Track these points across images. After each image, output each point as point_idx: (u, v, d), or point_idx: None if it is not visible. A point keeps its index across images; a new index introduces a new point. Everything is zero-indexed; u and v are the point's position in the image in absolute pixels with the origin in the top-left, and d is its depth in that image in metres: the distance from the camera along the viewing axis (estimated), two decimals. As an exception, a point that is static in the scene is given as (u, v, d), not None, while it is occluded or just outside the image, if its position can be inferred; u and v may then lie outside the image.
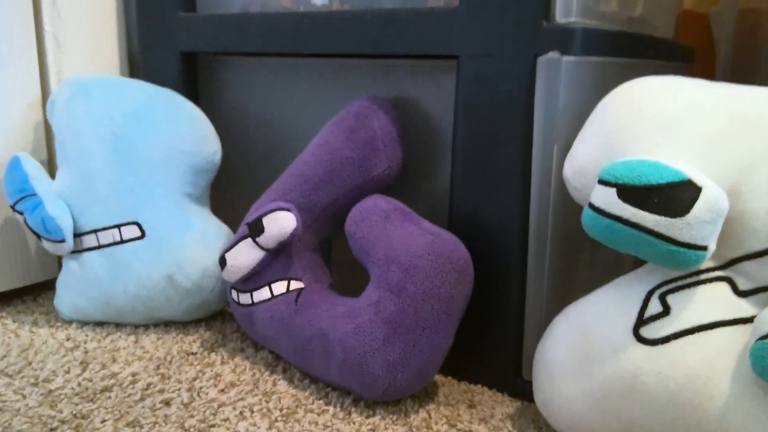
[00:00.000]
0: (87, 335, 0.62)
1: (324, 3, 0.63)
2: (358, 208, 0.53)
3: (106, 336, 0.62)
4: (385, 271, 0.49)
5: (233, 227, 0.65)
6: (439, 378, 0.56)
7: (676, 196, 0.38)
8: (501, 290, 0.52)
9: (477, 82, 0.51)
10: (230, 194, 0.71)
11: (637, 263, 0.45)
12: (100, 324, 0.64)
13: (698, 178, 0.39)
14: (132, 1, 0.76)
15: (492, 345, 0.54)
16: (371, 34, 0.56)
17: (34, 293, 0.72)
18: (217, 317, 0.67)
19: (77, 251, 0.62)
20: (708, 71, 0.89)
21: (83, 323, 0.64)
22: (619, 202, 0.40)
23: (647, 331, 0.41)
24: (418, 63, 0.58)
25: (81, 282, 0.62)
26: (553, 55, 0.48)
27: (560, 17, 0.49)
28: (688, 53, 0.70)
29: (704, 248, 0.39)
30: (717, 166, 0.41)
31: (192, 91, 0.72)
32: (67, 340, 0.60)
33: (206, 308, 0.64)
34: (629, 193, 0.39)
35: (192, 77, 0.72)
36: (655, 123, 0.42)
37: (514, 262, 0.52)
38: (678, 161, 0.40)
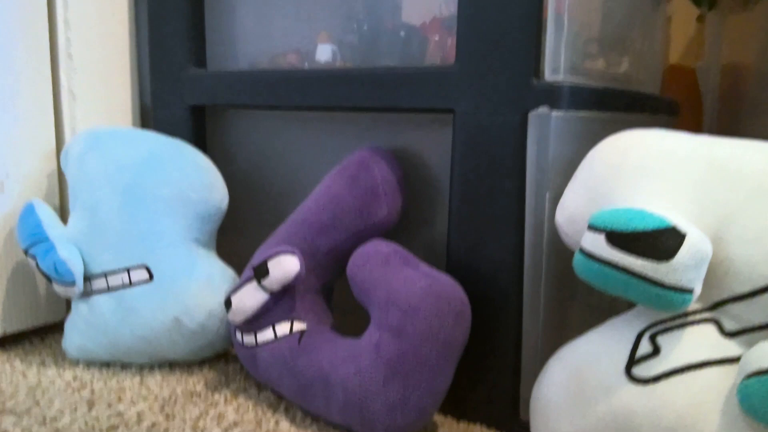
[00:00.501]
0: (93, 375, 0.63)
1: (328, 60, 0.67)
2: (360, 252, 0.55)
3: (112, 376, 0.63)
4: (385, 313, 0.51)
5: (238, 271, 0.66)
6: (438, 417, 0.57)
7: (662, 242, 0.40)
8: (498, 331, 0.54)
9: (472, 134, 0.54)
10: (236, 239, 0.73)
11: (630, 305, 0.47)
12: (106, 364, 0.65)
13: (682, 225, 0.41)
14: (145, 58, 0.79)
15: (490, 385, 0.55)
16: (373, 89, 0.59)
17: (42, 334, 0.73)
18: (221, 358, 0.68)
19: (87, 294, 0.64)
20: (696, 123, 0.92)
21: (90, 363, 0.65)
22: (608, 247, 0.41)
23: (638, 371, 0.42)
24: (416, 117, 0.61)
25: (89, 324, 0.63)
26: (542, 110, 0.51)
27: (549, 75, 0.52)
28: (673, 107, 0.73)
29: (690, 291, 0.41)
30: (699, 214, 0.43)
31: (200, 142, 0.74)
32: (74, 379, 0.61)
33: (211, 349, 0.65)
34: (617, 238, 0.41)
35: (201, 129, 0.74)
36: (639, 172, 0.45)
37: (510, 304, 0.53)
38: (662, 209, 0.42)
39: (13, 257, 0.69)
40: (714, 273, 0.42)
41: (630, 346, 0.43)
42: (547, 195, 0.52)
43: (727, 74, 0.89)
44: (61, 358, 0.67)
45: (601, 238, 0.42)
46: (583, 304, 0.58)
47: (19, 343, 0.71)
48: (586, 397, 0.43)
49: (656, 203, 0.43)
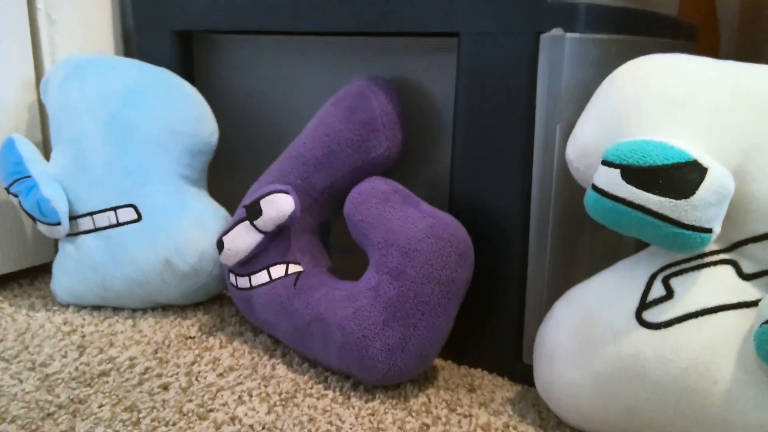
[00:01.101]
0: (84, 319, 0.61)
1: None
2: (357, 190, 0.52)
3: (103, 320, 0.61)
4: (384, 255, 0.49)
5: (231, 210, 0.64)
6: (439, 362, 0.56)
7: (682, 177, 0.38)
8: (502, 274, 0.52)
9: (478, 60, 0.50)
10: (227, 176, 0.71)
11: (640, 246, 0.44)
12: (97, 308, 0.64)
13: (704, 159, 0.38)
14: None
15: (492, 329, 0.53)
16: (370, 10, 0.55)
17: (31, 277, 0.72)
18: (215, 301, 0.66)
19: (73, 234, 0.62)
20: (712, 49, 0.88)
21: (80, 307, 0.64)
22: (623, 183, 0.39)
23: (650, 315, 0.40)
24: (418, 42, 0.57)
25: (77, 265, 0.62)
26: (556, 32, 0.47)
27: (563, -7, 0.48)
28: (692, 31, 0.69)
29: (709, 230, 0.38)
30: (723, 146, 0.40)
31: (188, 71, 0.71)
32: (64, 324, 0.60)
33: (204, 292, 0.63)
34: (634, 174, 0.39)
35: (187, 57, 0.71)
36: (660, 102, 0.41)
37: (515, 245, 0.51)
38: (683, 141, 0.40)
39: (-3, 196, 0.67)
40: (735, 211, 0.40)
41: (642, 289, 0.41)
42: (558, 127, 0.49)
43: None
44: (50, 301, 0.66)
45: (615, 174, 0.39)
46: (592, 244, 0.55)
47: (6, 285, 0.70)
48: (595, 341, 0.42)
49: (676, 134, 0.40)
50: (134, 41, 0.73)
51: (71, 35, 0.73)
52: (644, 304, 0.41)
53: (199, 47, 0.71)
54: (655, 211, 0.38)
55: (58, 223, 0.60)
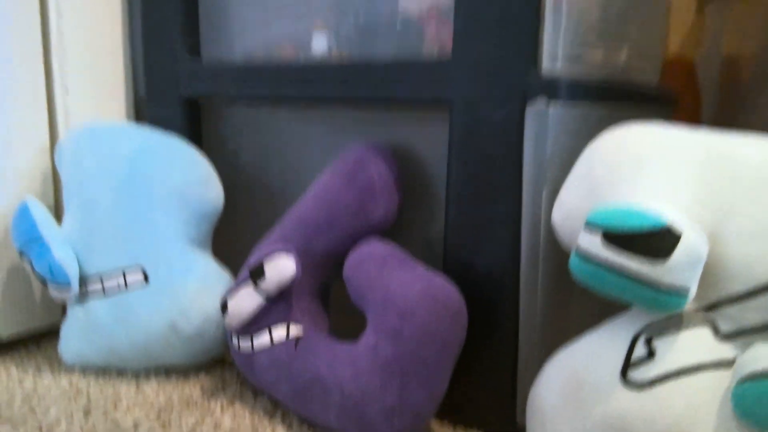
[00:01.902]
0: (90, 382, 0.62)
1: (323, 51, 0.66)
2: (356, 253, 0.54)
3: (108, 383, 0.62)
4: (382, 316, 0.50)
5: (234, 270, 0.66)
6: (435, 423, 0.56)
7: (658, 241, 0.40)
8: (494, 334, 0.53)
9: (469, 127, 0.53)
10: (231, 238, 0.72)
11: (626, 305, 0.46)
12: (102, 370, 0.65)
13: (678, 224, 0.40)
14: (139, 49, 0.79)
15: (486, 389, 0.54)
16: (369, 81, 0.58)
17: (38, 340, 0.73)
18: (217, 364, 0.67)
19: (82, 297, 0.63)
20: (694, 116, 0.91)
21: (86, 370, 0.65)
22: (604, 247, 0.41)
23: (634, 375, 0.42)
24: (413, 112, 0.60)
25: (85, 328, 0.63)
26: (540, 102, 0.50)
27: (547, 66, 0.51)
28: (672, 98, 0.72)
29: (686, 292, 0.40)
30: (697, 212, 0.42)
31: (196, 138, 0.73)
32: (71, 386, 0.61)
33: (207, 354, 0.65)
34: (613, 239, 0.41)
35: (196, 124, 0.74)
36: (637, 167, 0.44)
37: (506, 305, 0.53)
38: (659, 206, 0.42)
39: (8, 259, 0.69)
40: (710, 273, 0.42)
41: (625, 349, 0.43)
42: (544, 191, 0.51)
43: (727, 66, 0.88)
44: (57, 363, 0.67)
45: (597, 238, 0.41)
46: (581, 304, 0.57)
47: (14, 349, 0.71)
48: (583, 401, 0.43)
49: (654, 199, 0.43)
50: (145, 109, 0.76)
51: (85, 103, 0.76)
52: (628, 364, 0.42)
53: (206, 115, 0.74)
54: (634, 274, 0.40)
55: (69, 286, 0.62)
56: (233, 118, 0.73)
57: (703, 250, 0.40)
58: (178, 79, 0.72)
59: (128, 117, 0.81)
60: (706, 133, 0.45)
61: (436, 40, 0.60)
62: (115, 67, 0.79)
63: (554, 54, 0.51)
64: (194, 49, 0.72)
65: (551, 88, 0.50)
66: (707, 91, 0.91)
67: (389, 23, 0.62)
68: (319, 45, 0.66)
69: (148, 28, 0.73)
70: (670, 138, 0.45)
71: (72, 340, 0.64)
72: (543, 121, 0.51)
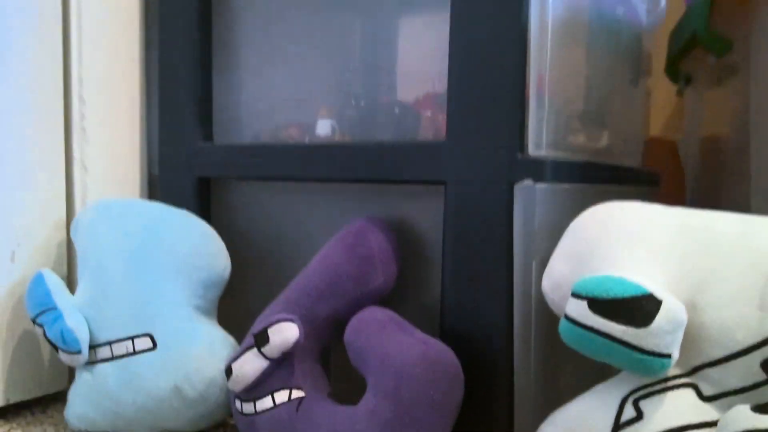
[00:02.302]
0: (95, 446, 0.63)
1: (327, 134, 0.70)
2: (356, 318, 0.56)
3: (113, 446, 0.63)
4: (381, 378, 0.52)
5: (238, 338, 0.67)
6: (434, 487, 0.57)
7: (640, 308, 0.43)
8: (490, 396, 0.55)
9: (462, 204, 0.57)
10: (237, 306, 0.74)
11: (617, 369, 0.48)
12: (106, 434, 0.66)
13: (658, 292, 0.43)
14: (154, 131, 0.83)
15: (483, 451, 0.55)
16: (370, 162, 0.62)
17: (43, 405, 0.73)
18: (219, 428, 0.68)
19: (91, 362, 0.65)
20: (679, 193, 0.95)
21: (91, 433, 0.66)
22: (591, 313, 0.44)
23: (623, 435, 0.44)
24: (410, 188, 0.64)
25: (92, 392, 0.64)
26: (527, 182, 0.54)
27: (533, 150, 0.56)
28: (653, 178, 0.77)
29: (668, 356, 0.43)
30: (675, 281, 0.45)
31: (205, 212, 0.76)
32: (76, 450, 0.62)
33: (210, 419, 0.65)
34: (599, 305, 0.44)
35: (205, 199, 0.77)
36: (617, 241, 0.47)
37: (501, 368, 0.54)
38: (640, 276, 0.45)
39: (20, 326, 0.71)
40: (691, 339, 0.44)
41: (615, 412, 0.45)
42: (534, 262, 0.55)
43: (707, 146, 0.93)
44: (62, 428, 0.67)
45: (583, 305, 0.44)
46: (574, 366, 0.59)
47: (20, 413, 0.71)
48: (576, 460, 0.45)
49: (634, 271, 0.46)
50: (158, 186, 0.79)
51: (102, 180, 0.79)
52: (618, 426, 0.44)
53: (216, 191, 0.78)
54: (620, 338, 0.43)
55: (79, 352, 0.63)
56: (242, 195, 0.76)
57: (683, 316, 0.43)
58: (192, 160, 0.75)
59: (142, 194, 0.84)
60: (681, 210, 0.48)
61: (432, 124, 0.64)
62: (132, 147, 0.83)
63: (539, 138, 0.56)
64: (207, 133, 0.76)
65: (537, 170, 0.54)
66: (690, 170, 0.96)
67: (388, 109, 0.66)
68: (323, 129, 0.70)
69: (164, 112, 0.77)
70: (647, 214, 0.49)
71: (79, 404, 0.65)
72: (530, 199, 0.54)
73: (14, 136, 0.71)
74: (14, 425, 0.68)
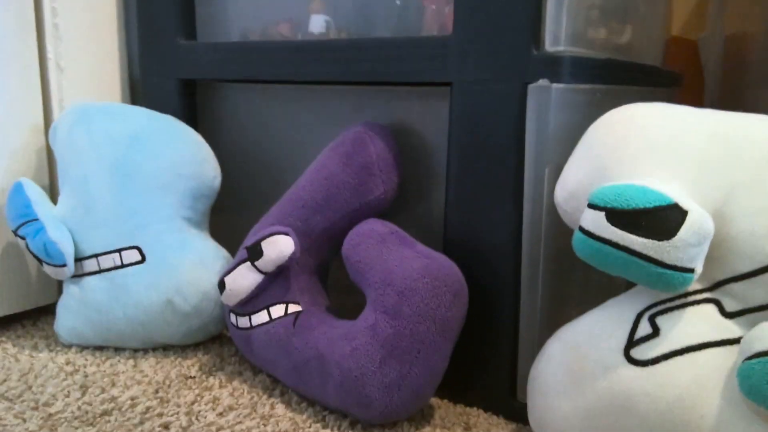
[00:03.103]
0: (86, 359, 0.62)
1: (321, 32, 0.65)
2: (355, 231, 0.54)
3: (105, 360, 0.62)
4: (381, 294, 0.50)
5: (232, 251, 0.66)
6: (435, 400, 0.56)
7: (663, 219, 0.39)
8: (495, 312, 0.53)
9: (470, 107, 0.53)
10: (229, 218, 0.73)
11: (629, 284, 0.46)
12: (99, 348, 0.65)
13: (684, 202, 0.40)
14: (133, 30, 0.78)
15: (487, 367, 0.54)
16: (367, 62, 0.58)
17: (34, 318, 0.73)
18: (215, 341, 0.67)
19: (78, 276, 0.63)
20: (697, 96, 0.91)
21: (83, 347, 0.65)
22: (608, 225, 0.41)
23: (637, 352, 0.41)
24: (413, 90, 0.60)
25: (81, 305, 0.63)
26: (543, 82, 0.50)
27: (549, 46, 0.51)
28: (675, 79, 0.72)
29: (691, 270, 0.40)
30: (702, 190, 0.42)
31: (192, 118, 0.73)
32: (67, 364, 0.61)
33: (205, 332, 0.65)
34: (618, 216, 0.40)
35: (191, 104, 0.73)
36: (641, 148, 0.44)
37: (507, 284, 0.53)
38: (664, 185, 0.42)
39: (3, 238, 0.69)
40: (716, 251, 0.42)
41: (629, 327, 0.43)
42: (546, 170, 0.51)
43: (731, 45, 0.87)
44: (53, 341, 0.67)
45: (601, 216, 0.41)
46: (583, 282, 0.57)
47: (10, 326, 0.70)
48: (585, 376, 0.43)
49: (658, 179, 0.42)
50: (140, 89, 0.76)
51: (79, 83, 0.75)
52: (632, 342, 0.42)
53: (203, 95, 0.74)
54: (639, 252, 0.40)
55: (64, 265, 0.61)
56: (230, 97, 0.72)
57: (710, 228, 0.40)
58: (174, 61, 0.71)
59: (123, 97, 0.81)
60: (710, 114, 0.45)
61: (437, 18, 0.59)
62: (110, 46, 0.78)
63: (557, 33, 0.51)
64: (190, 30, 0.71)
65: (554, 68, 0.50)
66: (710, 72, 0.91)
67: (388, 1, 0.61)
68: (317, 25, 0.65)
69: (143, 7, 0.72)
70: (674, 117, 0.45)
71: (68, 318, 0.64)
72: (545, 101, 0.50)
73: (-24, 32, 0.66)
74: (4, 338, 0.67)
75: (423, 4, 0.60)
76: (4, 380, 0.57)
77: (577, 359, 0.44)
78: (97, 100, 0.77)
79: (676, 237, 0.39)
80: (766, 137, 0.42)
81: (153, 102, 0.73)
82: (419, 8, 0.60)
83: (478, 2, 0.51)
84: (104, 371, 0.60)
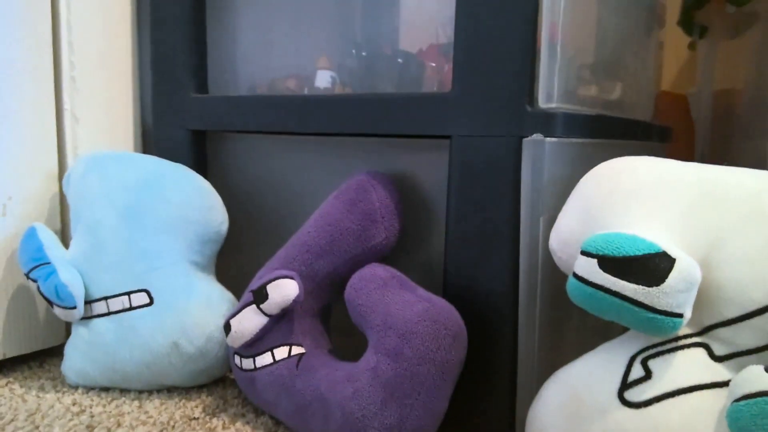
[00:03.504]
0: (92, 400, 0.63)
1: (327, 87, 0.68)
2: (358, 276, 0.55)
3: (111, 401, 0.63)
4: (382, 337, 0.51)
5: (238, 294, 0.67)
6: (435, 443, 0.57)
7: (653, 266, 0.41)
8: (494, 354, 0.54)
9: (468, 159, 0.55)
10: (235, 262, 0.73)
11: (623, 328, 0.47)
12: (105, 389, 0.65)
13: (672, 250, 0.42)
14: (147, 81, 0.80)
15: (486, 409, 0.55)
16: (371, 115, 0.60)
17: (40, 359, 0.73)
18: (219, 383, 0.68)
19: (87, 317, 0.64)
20: (688, 149, 0.94)
21: (89, 388, 0.65)
22: (601, 271, 0.42)
23: (631, 395, 0.43)
24: (414, 142, 0.62)
25: (89, 347, 0.64)
26: (537, 136, 0.52)
27: (543, 102, 0.53)
28: (665, 133, 0.75)
29: (680, 315, 0.41)
30: (689, 238, 0.44)
31: (201, 166, 0.75)
32: (74, 404, 0.62)
33: (209, 374, 0.65)
34: (609, 263, 0.42)
35: (201, 153, 0.75)
36: (631, 198, 0.46)
37: (505, 327, 0.54)
38: (653, 233, 0.44)
39: (14, 280, 0.70)
40: (704, 297, 0.43)
41: (623, 370, 0.44)
42: (542, 219, 0.53)
43: (719, 100, 0.91)
44: (60, 382, 0.67)
45: (593, 263, 0.43)
46: (579, 326, 0.58)
47: (17, 367, 0.71)
48: (582, 419, 0.44)
49: (647, 228, 0.44)
50: (152, 139, 0.77)
51: (93, 132, 0.77)
52: (625, 384, 0.43)
53: (212, 144, 0.76)
54: (631, 298, 0.41)
55: (74, 307, 0.62)
56: (238, 147, 0.74)
57: (697, 274, 0.42)
58: (186, 112, 0.73)
59: (135, 147, 0.83)
60: (697, 165, 0.47)
61: (436, 75, 0.62)
62: (125, 98, 0.81)
63: (549, 90, 0.53)
64: (202, 83, 0.74)
65: (547, 123, 0.52)
66: (701, 125, 0.94)
67: (391, 59, 0.64)
68: (323, 80, 0.68)
69: (156, 62, 0.75)
70: (661, 169, 0.47)
71: (75, 359, 0.65)
72: (539, 154, 0.52)
73: (1, 85, 0.68)
74: (11, 379, 0.68)
75: (423, 62, 0.63)
76: (12, 420, 0.58)
77: (573, 403, 0.45)
78: (110, 149, 0.79)
79: (665, 283, 0.41)
80: (751, 188, 0.44)
81: (164, 151, 0.75)
82: (420, 66, 0.63)
83: (475, 61, 0.54)
84: (110, 412, 0.60)
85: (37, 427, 0.57)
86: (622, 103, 0.68)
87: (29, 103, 0.71)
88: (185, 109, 0.73)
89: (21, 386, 0.66)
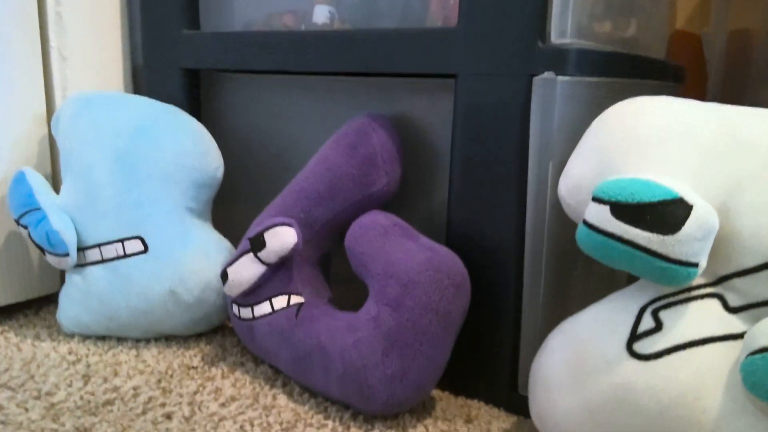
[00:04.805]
0: (89, 349, 0.62)
1: (325, 22, 0.65)
2: (358, 223, 0.54)
3: (107, 350, 0.62)
4: (383, 286, 0.50)
5: (234, 242, 0.66)
6: (436, 393, 0.57)
7: (668, 213, 0.39)
8: (497, 305, 0.53)
9: (474, 100, 0.52)
10: (231, 210, 0.72)
11: (631, 278, 0.46)
12: (101, 338, 0.65)
13: (689, 196, 0.40)
14: (137, 19, 0.78)
15: (488, 360, 0.54)
16: (371, 53, 0.57)
17: (36, 307, 0.73)
18: (217, 331, 0.67)
19: (81, 265, 0.63)
20: (699, 90, 0.91)
21: (85, 337, 0.65)
22: (613, 219, 0.41)
23: (640, 346, 0.41)
24: (417, 81, 0.60)
25: (83, 295, 0.63)
26: (548, 75, 0.50)
27: (555, 38, 0.50)
28: (679, 73, 0.71)
29: (695, 265, 0.40)
30: (707, 184, 0.42)
31: (194, 108, 0.73)
32: (69, 353, 0.61)
33: (207, 322, 0.65)
34: (622, 210, 0.40)
35: (194, 94, 0.73)
36: (647, 141, 0.43)
37: (510, 277, 0.53)
38: (670, 179, 0.41)
39: (5, 227, 0.69)
40: (720, 246, 0.41)
41: (632, 321, 0.43)
42: (551, 164, 0.51)
43: (734, 40, 0.87)
44: (56, 331, 0.67)
45: (605, 210, 0.41)
46: (585, 276, 0.57)
47: (13, 315, 0.71)
48: (587, 371, 0.43)
49: (663, 173, 0.42)
50: (143, 78, 0.75)
51: (82, 72, 0.75)
52: (634, 336, 0.42)
53: (206, 85, 0.74)
54: (644, 246, 0.40)
55: (67, 255, 0.61)
56: (233, 88, 0.72)
57: (715, 222, 0.40)
58: (177, 50, 0.71)
59: (125, 86, 0.80)
60: (716, 108, 0.44)
61: (441, 10, 0.59)
62: (113, 35, 0.78)
63: (563, 25, 0.51)
64: (193, 19, 0.71)
65: (559, 61, 0.49)
66: (714, 67, 0.90)
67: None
68: (321, 16, 0.65)
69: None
70: (680, 111, 0.45)
71: (70, 308, 0.64)
72: (550, 94, 0.50)
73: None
74: (6, 327, 0.67)
75: (428, -5, 0.59)
76: (7, 369, 0.57)
77: (579, 354, 0.44)
78: (100, 89, 0.76)
79: (681, 231, 0.39)
80: (773, 131, 0.42)
81: (155, 91, 0.73)
82: (424, 0, 0.59)
83: (483, -6, 0.51)
84: (107, 361, 0.60)
85: (32, 377, 0.56)
86: (636, 41, 0.64)
87: (13, 42, 0.68)
88: (176, 46, 0.71)
89: (16, 335, 0.65)
